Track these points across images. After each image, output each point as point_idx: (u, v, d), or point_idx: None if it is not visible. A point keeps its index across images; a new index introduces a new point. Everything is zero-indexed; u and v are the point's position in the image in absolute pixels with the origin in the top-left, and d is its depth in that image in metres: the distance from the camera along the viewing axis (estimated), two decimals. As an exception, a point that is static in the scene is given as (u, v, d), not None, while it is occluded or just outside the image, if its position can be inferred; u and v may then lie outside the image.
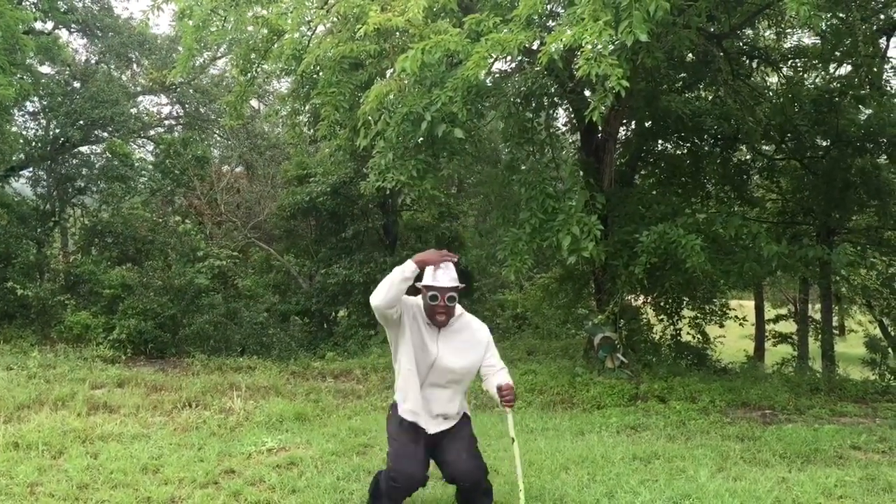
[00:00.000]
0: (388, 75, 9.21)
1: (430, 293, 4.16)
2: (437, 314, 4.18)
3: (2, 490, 4.63)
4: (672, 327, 13.16)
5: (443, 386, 4.25)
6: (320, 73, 9.58)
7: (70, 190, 17.44)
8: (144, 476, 5.03)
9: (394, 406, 4.37)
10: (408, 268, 4.01)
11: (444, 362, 4.20)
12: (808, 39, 13.40)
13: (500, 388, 4.18)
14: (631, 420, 7.85)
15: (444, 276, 4.19)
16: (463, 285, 4.27)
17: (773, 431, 7.18)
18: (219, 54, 18.92)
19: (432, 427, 4.24)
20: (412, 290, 4.20)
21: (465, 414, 4.42)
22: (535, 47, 8.86)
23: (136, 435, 6.45)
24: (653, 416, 8.13)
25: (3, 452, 5.52)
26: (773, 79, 14.40)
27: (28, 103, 16.68)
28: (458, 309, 4.32)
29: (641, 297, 12.96)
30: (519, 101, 9.85)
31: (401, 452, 4.17)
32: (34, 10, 16.13)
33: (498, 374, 4.32)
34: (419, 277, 4.19)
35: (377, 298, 4.04)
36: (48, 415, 7.03)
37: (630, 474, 5.25)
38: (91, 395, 8.27)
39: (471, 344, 4.30)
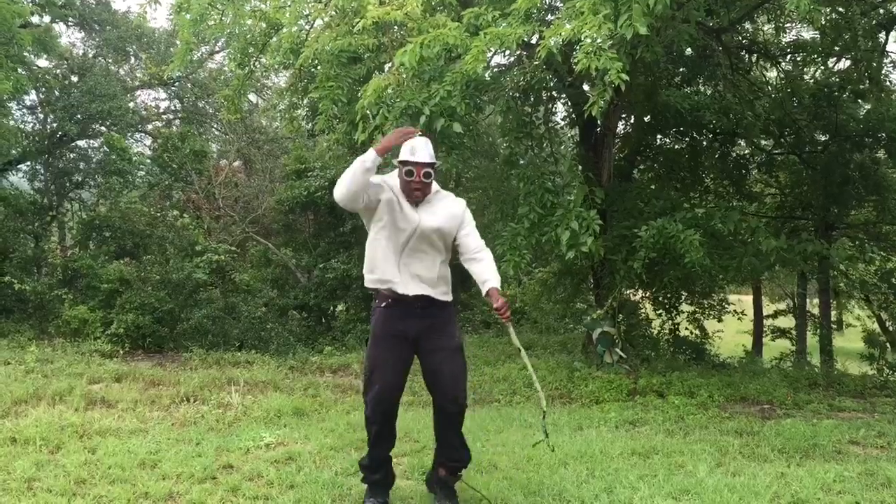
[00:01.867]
0: (386, 69, 9.19)
1: (405, 168, 4.08)
2: (414, 190, 4.10)
3: (-1, 485, 4.62)
4: (670, 322, 13.18)
5: (423, 251, 4.14)
6: (318, 67, 9.54)
7: (68, 184, 17.43)
8: (142, 471, 5.01)
9: (376, 302, 4.23)
10: (368, 157, 3.87)
11: (426, 224, 4.11)
12: (808, 34, 13.38)
13: (496, 309, 4.05)
14: (629, 415, 7.83)
15: (422, 151, 4.12)
16: (439, 163, 4.20)
17: (772, 426, 7.18)
18: (217, 48, 18.87)
19: (411, 288, 4.11)
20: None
21: (450, 307, 4.28)
22: (533, 41, 8.84)
23: (134, 430, 6.44)
24: (651, 410, 8.12)
25: (1, 447, 5.50)
26: (772, 73, 14.38)
27: (25, 97, 16.63)
28: (435, 186, 4.26)
29: (640, 292, 12.96)
30: (518, 95, 9.83)
31: (380, 361, 4.13)
32: (31, 4, 16.07)
33: (484, 264, 4.20)
34: (396, 154, 4.13)
35: (339, 192, 3.94)
36: (46, 410, 7.01)
37: (629, 469, 5.24)
38: (89, 390, 8.24)
39: (449, 211, 4.23)
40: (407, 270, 4.12)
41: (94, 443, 5.80)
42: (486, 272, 4.17)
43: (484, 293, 4.15)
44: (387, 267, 4.12)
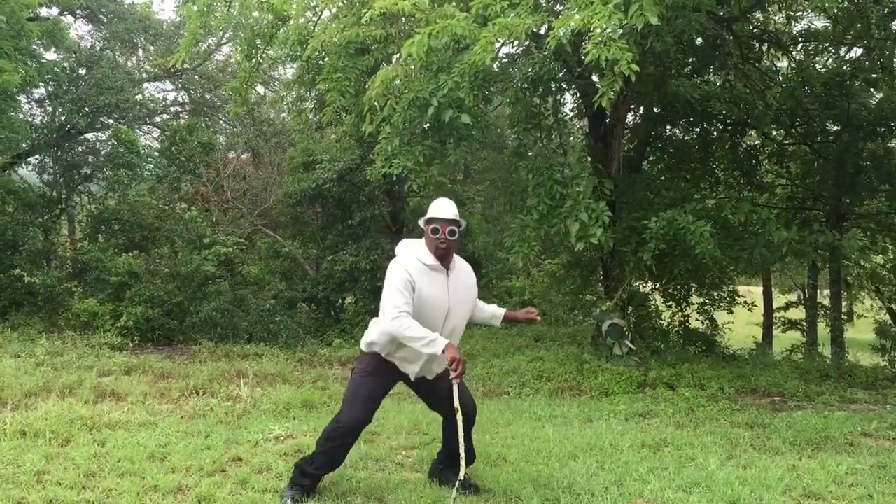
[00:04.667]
0: (394, 60, 9.15)
1: (431, 226, 4.24)
2: (439, 247, 4.23)
3: (9, 478, 4.61)
4: (680, 314, 13.11)
5: (451, 334, 4.28)
6: (326, 59, 9.51)
7: (76, 177, 17.40)
8: (151, 464, 5.01)
9: (374, 354, 4.37)
10: (438, 348, 4.00)
11: (456, 308, 4.29)
12: (819, 22, 13.25)
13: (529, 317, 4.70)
14: (639, 407, 7.81)
15: (447, 209, 4.29)
16: (464, 223, 4.37)
17: (783, 418, 7.14)
18: (224, 40, 18.84)
19: (420, 374, 4.37)
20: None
21: None
22: (542, 32, 8.78)
23: (144, 423, 6.44)
24: (661, 403, 8.09)
25: (11, 440, 5.52)
26: (783, 63, 14.26)
27: (34, 90, 16.63)
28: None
29: (650, 284, 12.91)
30: (526, 86, 9.76)
31: (374, 394, 4.36)
32: (39, -5, 16.05)
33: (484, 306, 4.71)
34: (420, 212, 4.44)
35: (397, 332, 4.08)
36: (55, 402, 7.02)
37: (639, 462, 5.22)
38: (98, 383, 8.26)
39: (469, 287, 4.47)
40: (430, 366, 4.33)
41: (103, 436, 5.81)
42: (488, 307, 4.75)
43: (501, 318, 4.72)
44: (417, 361, 4.29)
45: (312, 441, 5.66)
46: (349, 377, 4.56)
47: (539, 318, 4.69)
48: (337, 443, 4.32)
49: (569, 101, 13.40)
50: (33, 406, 6.97)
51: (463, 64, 7.88)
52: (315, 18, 10.44)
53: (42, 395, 7.51)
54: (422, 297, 4.16)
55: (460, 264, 4.46)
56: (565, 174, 9.58)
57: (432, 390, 4.47)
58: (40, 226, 15.72)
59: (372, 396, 4.35)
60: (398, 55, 8.55)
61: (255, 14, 10.77)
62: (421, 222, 4.33)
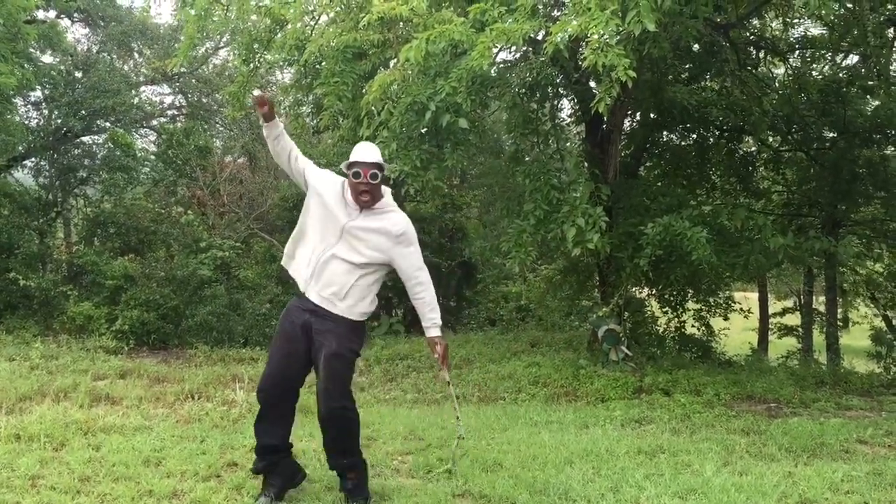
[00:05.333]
0: (391, 65, 9.16)
1: (353, 170, 4.11)
2: (361, 192, 4.09)
3: (3, 483, 4.58)
4: (676, 320, 13.12)
5: (344, 259, 4.13)
6: (323, 63, 9.52)
7: (72, 180, 17.38)
8: (146, 469, 4.99)
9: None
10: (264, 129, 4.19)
11: (356, 229, 4.11)
12: (816, 30, 13.30)
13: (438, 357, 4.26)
14: (635, 413, 7.80)
15: (368, 153, 4.18)
16: (389, 166, 4.33)
17: (779, 425, 7.14)
18: (221, 44, 18.83)
19: (314, 293, 4.20)
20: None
21: (351, 322, 4.22)
22: (540, 37, 8.79)
23: (139, 427, 6.41)
24: (657, 409, 8.08)
25: (5, 444, 5.48)
26: (779, 69, 14.30)
27: (30, 93, 16.61)
28: (390, 202, 4.27)
29: (646, 290, 12.91)
30: (523, 91, 9.79)
31: (273, 350, 4.41)
32: (36, -2, 16.02)
33: (422, 304, 4.28)
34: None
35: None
36: (50, 406, 6.98)
37: (635, 468, 5.20)
38: (93, 387, 8.24)
39: (384, 229, 4.15)
40: (320, 273, 4.18)
41: (98, 440, 5.78)
42: (424, 315, 4.29)
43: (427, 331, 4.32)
44: (302, 261, 4.27)
45: (307, 445, 5.67)
46: None
47: (441, 371, 4.33)
48: (258, 399, 4.32)
49: (566, 106, 13.42)
50: (28, 410, 6.94)
51: (460, 69, 7.89)
52: (312, 23, 10.44)
53: (37, 399, 7.49)
54: (325, 204, 4.16)
55: (390, 213, 4.21)
56: (562, 179, 9.59)
57: (317, 353, 4.16)
58: (36, 229, 15.69)
59: (277, 349, 4.31)
60: (396, 60, 8.57)
61: (253, 18, 10.76)
62: (343, 167, 4.20)
